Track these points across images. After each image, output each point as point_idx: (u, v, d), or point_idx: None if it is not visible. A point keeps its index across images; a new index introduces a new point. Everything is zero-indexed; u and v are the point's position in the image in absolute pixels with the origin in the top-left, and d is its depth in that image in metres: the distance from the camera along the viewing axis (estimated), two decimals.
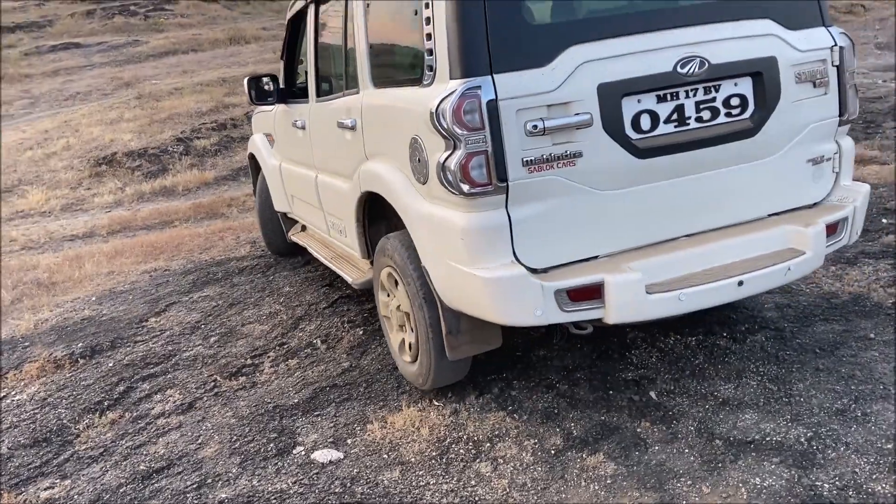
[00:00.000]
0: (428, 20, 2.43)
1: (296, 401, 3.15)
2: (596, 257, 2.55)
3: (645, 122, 2.48)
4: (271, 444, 2.87)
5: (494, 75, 2.31)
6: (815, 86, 2.71)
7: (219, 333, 4.00)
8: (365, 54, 2.98)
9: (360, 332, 3.75)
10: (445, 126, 2.31)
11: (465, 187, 2.33)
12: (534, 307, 2.37)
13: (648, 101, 2.47)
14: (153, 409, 3.25)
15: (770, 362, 3.09)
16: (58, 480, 2.82)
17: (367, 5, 2.97)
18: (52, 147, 11.63)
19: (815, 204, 2.86)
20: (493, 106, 2.29)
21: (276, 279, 4.87)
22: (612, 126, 2.42)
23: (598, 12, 2.76)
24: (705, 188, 2.63)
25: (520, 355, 3.35)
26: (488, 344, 2.85)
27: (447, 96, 2.30)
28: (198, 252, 6.09)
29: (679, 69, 2.46)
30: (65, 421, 3.24)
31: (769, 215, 2.79)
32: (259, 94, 4.21)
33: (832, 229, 2.72)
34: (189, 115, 12.05)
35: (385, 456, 2.72)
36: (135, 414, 3.23)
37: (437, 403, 3.02)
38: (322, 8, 3.64)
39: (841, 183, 2.89)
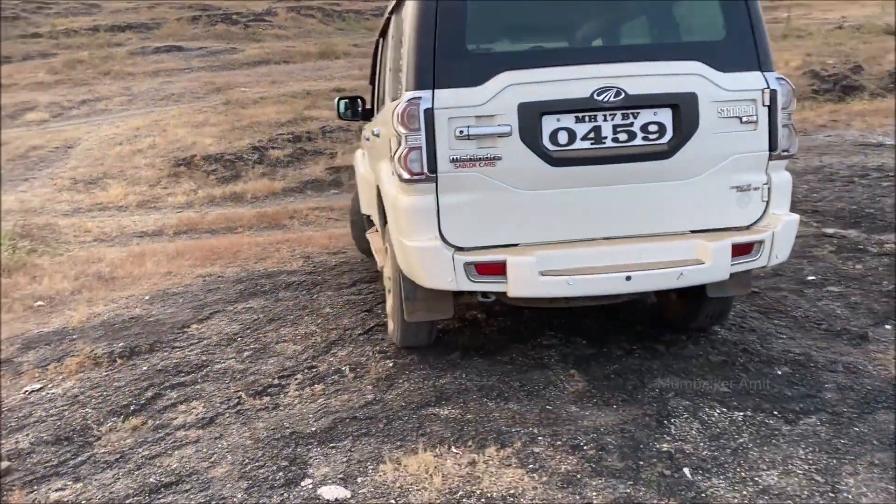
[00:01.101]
0: (405, 49, 3.15)
1: (314, 429, 3.08)
2: (517, 245, 3.10)
3: (562, 137, 3.05)
4: (281, 473, 2.80)
5: (435, 90, 2.98)
6: (741, 122, 3.13)
7: (253, 348, 4.00)
8: (393, 71, 3.60)
9: (390, 365, 3.67)
10: (395, 126, 3.02)
11: (405, 175, 3.01)
12: (447, 275, 3.00)
13: (567, 120, 3.04)
14: (175, 419, 3.25)
15: (821, 450, 2.82)
16: (70, 483, 2.84)
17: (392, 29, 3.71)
18: (140, 144, 12.17)
19: (742, 228, 3.21)
20: (429, 113, 2.96)
21: (319, 298, 4.86)
22: (529, 138, 3.00)
23: (529, 47, 3.48)
24: (621, 199, 3.13)
25: (550, 409, 3.19)
26: (440, 313, 3.43)
27: (399, 104, 3.03)
28: (252, 261, 6.18)
29: (596, 96, 3.01)
30: (90, 421, 3.28)
31: (691, 231, 3.20)
32: (346, 112, 5.04)
33: (744, 249, 3.11)
34: (269, 124, 12.40)
35: (392, 502, 2.61)
36: (157, 422, 3.24)
37: (455, 451, 2.89)
38: (389, 26, 4.06)
39: (770, 211, 3.24)
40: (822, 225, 6.50)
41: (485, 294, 3.25)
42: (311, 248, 6.61)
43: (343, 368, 3.65)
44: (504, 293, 3.06)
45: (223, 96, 17.32)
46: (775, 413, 3.10)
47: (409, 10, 3.15)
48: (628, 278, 3.00)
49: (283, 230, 7.72)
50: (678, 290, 3.64)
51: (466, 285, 3.03)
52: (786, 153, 3.24)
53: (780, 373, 3.48)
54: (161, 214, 8.63)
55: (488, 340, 4.01)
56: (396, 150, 3.04)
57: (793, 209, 6.58)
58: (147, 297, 5.18)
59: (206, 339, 4.19)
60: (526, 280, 2.96)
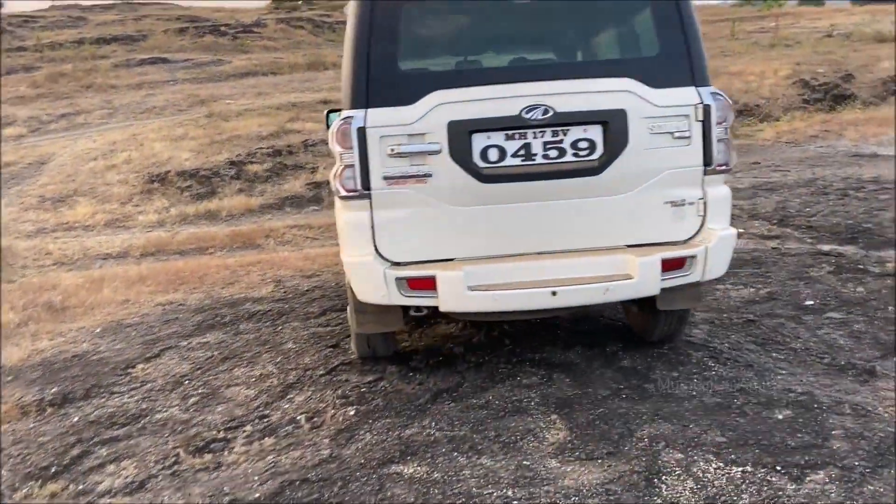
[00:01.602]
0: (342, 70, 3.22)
1: (257, 495, 2.71)
2: (452, 259, 3.16)
3: (493, 154, 3.10)
4: None
5: (369, 109, 3.07)
6: (674, 137, 3.13)
7: (201, 393, 3.62)
8: None
9: (352, 412, 3.30)
10: (331, 145, 3.14)
11: (341, 191, 3.11)
12: (379, 289, 3.07)
13: (497, 137, 3.09)
14: (101, 483, 2.87)
15: None
16: None
17: None
18: (115, 159, 11.78)
19: (680, 242, 3.22)
20: (362, 132, 3.04)
21: (282, 331, 4.50)
22: (459, 155, 3.06)
23: (461, 67, 3.55)
24: (552, 215, 3.17)
25: (527, 465, 2.84)
26: (389, 325, 3.46)
27: (334, 124, 3.12)
28: (219, 286, 5.81)
29: (525, 114, 3.05)
30: (3, 487, 2.90)
31: (627, 246, 3.22)
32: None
33: (676, 264, 3.11)
34: (249, 137, 12.03)
35: None
36: (80, 487, 2.85)
37: None
38: None
39: (707, 226, 3.22)
40: (818, 242, 6.20)
41: (417, 308, 3.29)
42: (284, 270, 6.25)
43: (298, 418, 3.28)
44: (436, 307, 3.12)
45: (206, 109, 16.95)
46: (778, 468, 2.75)
47: (346, 34, 3.23)
48: (554, 293, 3.04)
49: (257, 250, 7.35)
50: (639, 303, 3.60)
51: (399, 300, 3.11)
52: (722, 168, 3.23)
53: (781, 417, 3.14)
54: (129, 234, 8.24)
55: (463, 380, 3.66)
56: (334, 168, 3.16)
57: (787, 224, 6.22)
58: (98, 330, 4.81)
59: (151, 381, 3.82)
60: (455, 295, 3.04)
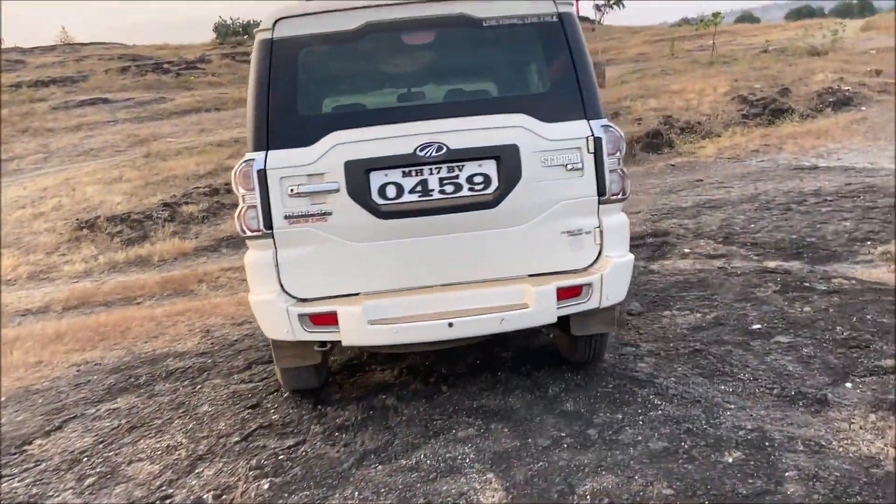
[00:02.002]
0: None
1: None
2: (357, 294, 3.24)
3: (391, 191, 3.18)
4: None
5: (269, 151, 3.16)
6: (567, 169, 3.22)
7: (99, 472, 3.24)
8: None
9: (266, 487, 2.97)
10: (234, 187, 3.21)
11: (245, 231, 3.20)
12: (283, 326, 3.15)
13: (395, 175, 3.18)
14: None
15: None
16: None
17: None
18: (44, 206, 11.26)
19: (580, 270, 3.30)
20: (262, 173, 3.13)
21: (201, 391, 4.14)
22: (357, 193, 3.15)
23: (358, 108, 3.63)
24: (451, 248, 3.25)
25: None
26: (306, 360, 3.49)
27: (236, 167, 3.20)
28: (142, 341, 5.42)
29: (419, 152, 3.14)
30: None
31: (529, 276, 3.28)
32: None
33: (572, 292, 3.17)
34: (186, 177, 11.66)
35: None
36: None
37: None
38: None
39: (605, 254, 3.30)
40: (764, 258, 6.11)
41: (321, 343, 3.33)
42: (214, 318, 5.89)
43: (205, 497, 2.93)
44: (339, 342, 3.20)
45: (145, 149, 16.47)
46: None
47: (249, 77, 3.30)
48: (450, 325, 3.09)
49: (188, 297, 6.96)
50: (560, 327, 3.62)
51: (302, 335, 3.18)
52: (616, 197, 3.31)
53: (731, 460, 2.92)
54: (53, 287, 7.76)
55: (394, 436, 3.37)
56: (237, 209, 3.22)
57: (732, 242, 6.06)
58: (2, 399, 4.37)
59: (47, 460, 3.42)
60: (356, 329, 3.10)
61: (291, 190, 3.14)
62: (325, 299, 3.21)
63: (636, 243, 6.82)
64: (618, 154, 3.28)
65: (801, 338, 4.14)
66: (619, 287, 3.30)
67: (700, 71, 18.08)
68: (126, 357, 5.04)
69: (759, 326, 4.39)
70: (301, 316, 3.14)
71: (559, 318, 3.23)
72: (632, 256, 3.37)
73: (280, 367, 3.60)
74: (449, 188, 3.20)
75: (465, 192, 3.21)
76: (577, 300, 3.22)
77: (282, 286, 3.20)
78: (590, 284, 3.22)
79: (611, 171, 3.26)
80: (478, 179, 3.21)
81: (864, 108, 12.78)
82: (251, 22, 43.82)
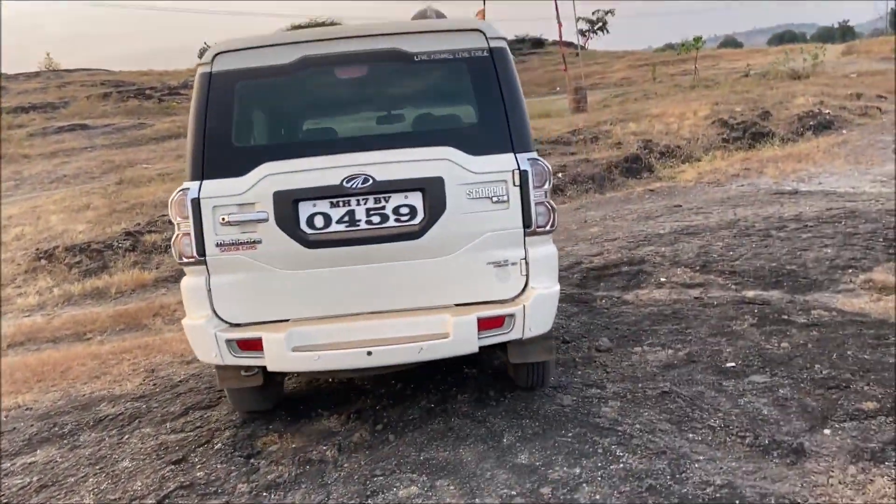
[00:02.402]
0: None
1: None
2: (287, 320, 3.28)
3: (319, 221, 3.25)
4: None
5: (204, 181, 3.23)
6: (493, 201, 3.24)
7: None
8: None
9: None
10: (171, 215, 3.32)
11: (180, 258, 3.30)
12: (211, 350, 3.21)
13: (323, 205, 3.24)
14: None
15: None
16: None
17: None
18: (6, 236, 10.86)
19: (507, 301, 3.29)
20: (196, 202, 3.21)
21: (127, 441, 3.78)
22: (285, 222, 3.21)
23: (290, 139, 3.76)
24: (377, 277, 3.28)
25: None
26: (248, 382, 3.49)
27: (172, 195, 3.30)
28: (81, 382, 5.07)
29: (345, 183, 3.19)
30: None
31: (456, 305, 3.30)
32: None
33: (494, 323, 3.18)
34: (154, 204, 11.30)
35: None
36: None
37: None
38: None
39: (531, 285, 3.29)
40: (742, 287, 5.84)
41: (247, 368, 3.37)
42: (162, 356, 5.54)
43: None
44: (265, 367, 3.23)
45: (118, 175, 16.12)
46: None
47: (189, 111, 3.40)
48: (369, 353, 3.12)
49: (141, 332, 6.61)
50: (505, 352, 3.58)
51: (230, 360, 3.23)
52: (542, 230, 3.32)
53: None
54: (3, 322, 7.38)
55: (328, 497, 3.03)
56: (173, 236, 3.32)
57: (710, 271, 5.82)
58: None
59: None
60: (279, 355, 3.14)
61: (223, 219, 3.21)
62: (256, 325, 3.27)
63: (611, 272, 6.56)
64: (545, 187, 3.31)
65: (778, 377, 3.86)
66: (544, 318, 3.29)
67: (681, 95, 18.03)
68: (60, 401, 4.68)
69: (733, 364, 4.10)
70: (228, 341, 3.20)
71: (491, 345, 3.27)
72: (557, 288, 3.38)
73: (221, 386, 3.68)
74: (375, 219, 3.26)
75: (391, 222, 3.27)
76: (500, 331, 3.22)
77: (214, 311, 3.29)
78: (512, 315, 3.22)
79: (537, 204, 3.28)
80: (404, 210, 3.26)
81: (844, 132, 12.68)
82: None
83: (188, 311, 3.34)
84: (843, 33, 73.39)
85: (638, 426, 3.41)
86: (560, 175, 11.27)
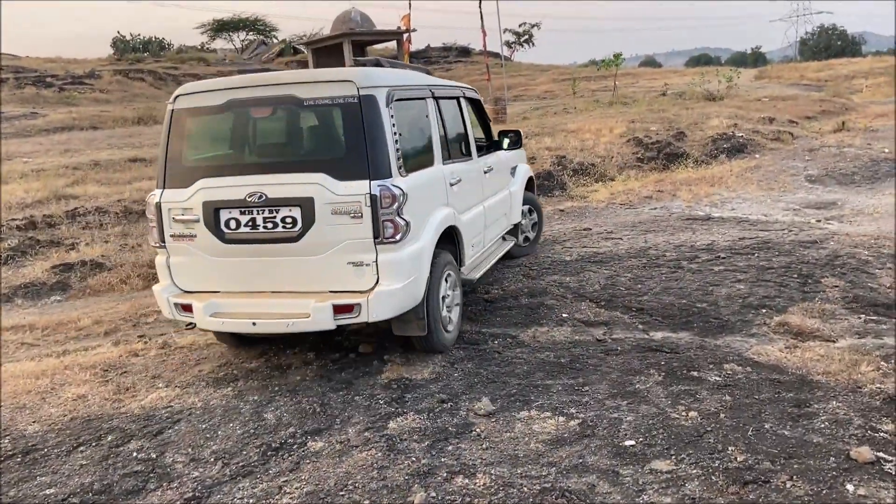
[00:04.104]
0: None
1: None
2: (218, 292, 4.49)
3: (232, 224, 4.34)
4: None
5: (164, 190, 4.50)
6: (351, 217, 4.15)
7: None
8: None
9: None
10: (147, 212, 4.59)
11: (152, 243, 4.64)
12: (167, 309, 4.55)
13: (235, 213, 4.33)
14: None
15: None
16: None
17: None
18: None
19: (365, 291, 4.20)
20: (158, 205, 4.47)
21: None
22: (210, 224, 4.35)
23: (217, 162, 4.66)
24: (270, 266, 4.38)
25: None
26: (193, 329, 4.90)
27: (147, 197, 4.60)
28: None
29: (247, 198, 4.25)
30: None
31: (330, 292, 4.28)
32: None
33: (346, 309, 4.15)
34: (7, 207, 9.87)
35: None
36: None
37: None
38: None
39: (381, 282, 4.20)
40: (649, 327, 5.21)
41: (188, 323, 4.59)
42: None
43: None
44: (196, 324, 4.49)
45: None
46: None
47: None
48: (254, 323, 4.24)
49: None
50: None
51: (178, 317, 4.52)
52: (389, 240, 4.14)
53: None
54: None
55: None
56: (148, 227, 4.59)
57: (616, 306, 6.43)
58: None
59: None
60: (201, 318, 4.37)
61: (174, 218, 4.41)
62: (196, 293, 4.48)
63: (510, 304, 5.82)
64: (392, 207, 4.11)
65: (685, 464, 3.14)
66: (384, 308, 4.18)
67: (599, 111, 17.73)
68: None
69: (633, 443, 3.37)
70: (175, 304, 4.46)
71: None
72: (399, 285, 4.20)
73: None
74: (269, 225, 4.25)
75: (280, 228, 4.25)
76: (350, 315, 4.15)
77: (173, 280, 4.56)
78: (359, 304, 4.13)
79: (384, 220, 4.11)
80: (288, 220, 4.22)
81: (757, 156, 12.51)
82: (153, 39, 40.90)
83: (159, 280, 4.64)
84: (756, 59, 76.76)
85: None
86: None
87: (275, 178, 4.21)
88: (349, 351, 4.99)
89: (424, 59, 43.49)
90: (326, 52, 23.17)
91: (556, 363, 4.56)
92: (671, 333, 5.11)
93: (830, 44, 64.01)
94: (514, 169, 6.88)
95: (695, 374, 4.22)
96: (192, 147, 4.57)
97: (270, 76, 4.55)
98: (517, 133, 6.74)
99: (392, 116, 4.27)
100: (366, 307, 4.08)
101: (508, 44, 51.99)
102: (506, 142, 6.59)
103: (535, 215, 7.40)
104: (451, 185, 5.01)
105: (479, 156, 5.90)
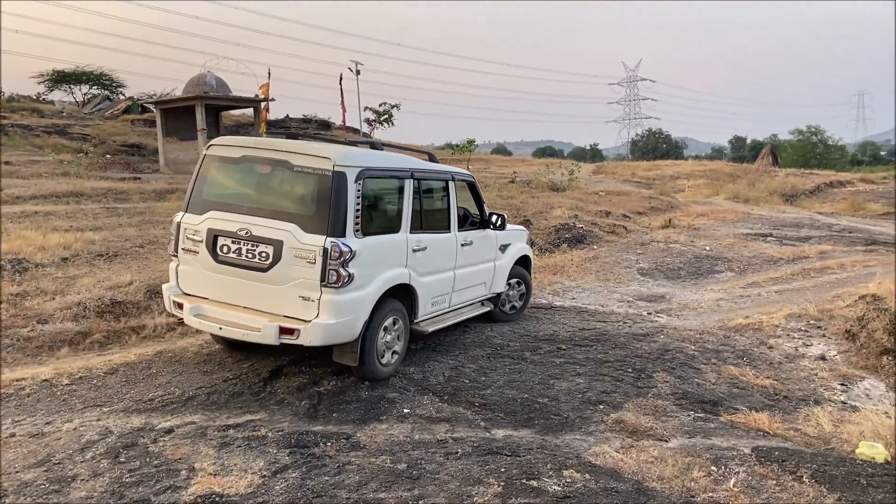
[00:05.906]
0: None
1: None
2: (206, 298, 5.65)
3: (224, 249, 5.53)
4: None
5: (185, 214, 5.78)
6: (307, 262, 5.21)
7: None
8: None
9: None
10: (171, 228, 5.90)
11: (169, 251, 5.89)
12: (169, 306, 5.84)
13: (228, 241, 5.51)
14: None
15: None
16: None
17: None
18: None
19: (309, 320, 5.25)
20: (178, 225, 5.78)
21: None
22: (209, 246, 5.57)
23: (224, 200, 5.78)
24: (245, 285, 5.46)
25: None
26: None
27: (173, 217, 5.96)
28: None
29: (238, 232, 5.44)
30: None
31: (285, 316, 5.32)
32: None
33: (289, 331, 5.22)
34: None
35: None
36: None
37: None
38: None
39: (320, 315, 5.23)
40: (492, 424, 5.03)
41: (181, 319, 5.74)
42: None
43: None
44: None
45: None
46: None
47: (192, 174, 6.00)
48: (220, 328, 5.44)
49: None
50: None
51: (175, 313, 5.78)
52: (332, 285, 5.17)
53: None
54: None
55: None
56: (168, 241, 5.91)
57: (459, 401, 5.59)
58: None
59: None
60: (187, 317, 5.59)
61: (187, 236, 5.72)
62: (191, 296, 5.73)
63: (349, 397, 5.43)
64: (339, 259, 5.14)
65: None
66: (318, 337, 5.20)
67: None
68: None
69: None
70: (174, 302, 5.75)
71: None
72: (333, 321, 5.21)
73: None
74: (251, 255, 5.41)
75: (258, 258, 5.38)
76: (291, 336, 5.20)
77: (177, 283, 5.84)
78: (299, 329, 5.18)
79: (330, 269, 5.14)
80: (263, 254, 5.36)
81: (595, 247, 13.18)
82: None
83: (168, 280, 5.92)
84: (594, 154, 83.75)
85: None
86: None
87: (260, 221, 5.41)
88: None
89: (283, 128, 42.88)
90: (176, 113, 22.10)
91: (392, 470, 4.22)
92: (513, 431, 4.96)
93: (657, 146, 71.37)
94: (505, 246, 7.70)
95: (534, 483, 4.05)
96: (211, 184, 5.84)
97: (276, 143, 5.82)
98: (501, 216, 7.47)
99: (359, 190, 5.37)
100: (304, 333, 5.16)
101: (368, 121, 52.90)
102: (495, 220, 7.39)
103: (523, 287, 8.12)
104: (415, 250, 6.03)
105: (461, 230, 6.86)
